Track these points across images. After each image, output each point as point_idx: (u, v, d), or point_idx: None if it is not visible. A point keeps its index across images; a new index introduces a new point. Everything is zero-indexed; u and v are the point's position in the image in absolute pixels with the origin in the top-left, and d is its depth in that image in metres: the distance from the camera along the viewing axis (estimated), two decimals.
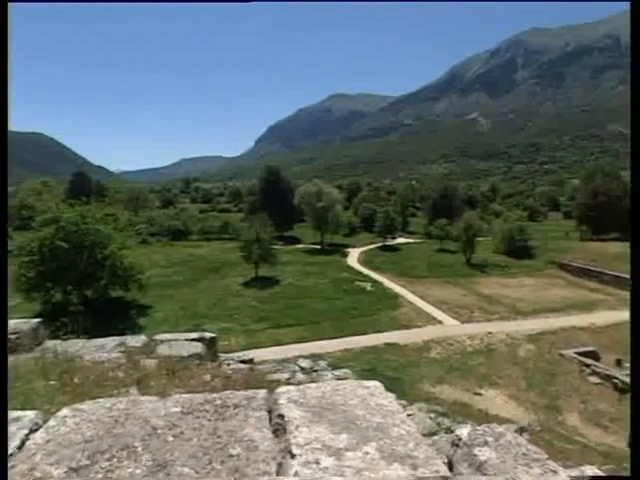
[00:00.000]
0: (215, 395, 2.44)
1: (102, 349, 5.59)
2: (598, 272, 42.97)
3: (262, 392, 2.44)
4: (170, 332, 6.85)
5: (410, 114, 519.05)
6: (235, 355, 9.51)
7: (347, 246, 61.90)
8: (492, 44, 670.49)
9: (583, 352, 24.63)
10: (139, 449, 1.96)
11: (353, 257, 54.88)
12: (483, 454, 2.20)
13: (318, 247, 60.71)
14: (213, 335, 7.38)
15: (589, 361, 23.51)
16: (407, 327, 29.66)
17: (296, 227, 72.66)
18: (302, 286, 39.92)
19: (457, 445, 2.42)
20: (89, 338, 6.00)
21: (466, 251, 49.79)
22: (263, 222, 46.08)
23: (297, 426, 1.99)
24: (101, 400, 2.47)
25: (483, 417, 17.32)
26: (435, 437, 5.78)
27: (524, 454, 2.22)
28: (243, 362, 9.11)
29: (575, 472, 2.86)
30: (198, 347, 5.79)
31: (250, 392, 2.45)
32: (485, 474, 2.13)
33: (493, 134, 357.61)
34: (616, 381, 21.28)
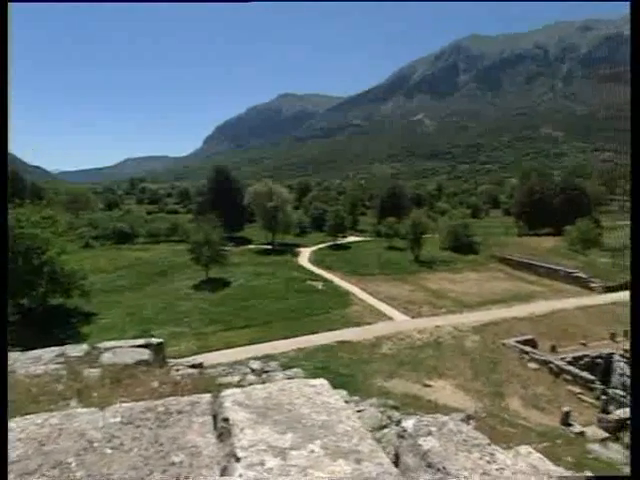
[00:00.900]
0: (157, 402, 2.35)
1: (39, 361, 5.26)
2: (534, 265, 45.80)
3: (207, 396, 2.38)
4: (116, 339, 6.58)
5: (358, 115, 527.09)
6: (184, 360, 9.26)
7: (298, 246, 61.94)
8: (436, 48, 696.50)
9: (523, 340, 26.13)
10: (73, 465, 1.85)
11: (304, 256, 54.99)
12: (427, 443, 2.27)
13: (269, 247, 60.33)
14: (160, 340, 7.15)
15: (528, 349, 24.99)
16: (359, 324, 30.09)
17: (246, 228, 71.80)
18: (253, 287, 39.52)
19: (403, 437, 2.48)
20: (24, 350, 5.63)
21: (414, 248, 51.26)
22: (212, 223, 45.24)
23: (242, 428, 1.96)
24: (31, 416, 2.31)
25: (433, 407, 17.97)
26: (385, 430, 5.93)
27: (465, 440, 2.31)
28: (193, 367, 8.89)
29: (512, 453, 3.01)
30: (145, 354, 5.59)
31: (194, 397, 2.38)
32: (429, 462, 2.20)
33: (438, 135, 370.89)
34: (551, 366, 22.78)
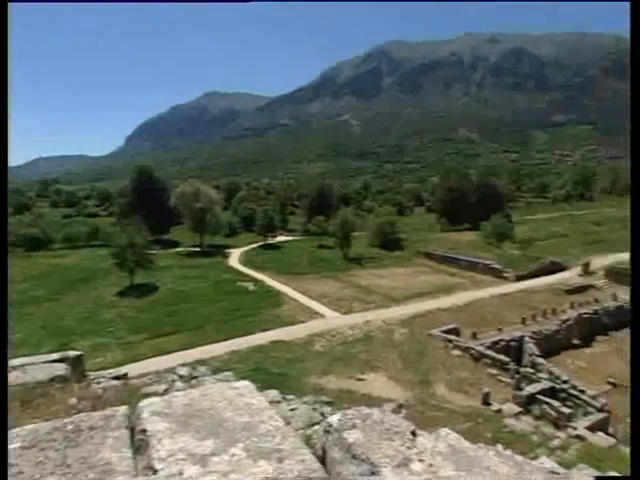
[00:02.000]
0: (66, 420, 2.17)
1: None
2: (455, 259, 48.83)
3: (122, 409, 2.24)
4: (28, 355, 5.99)
5: (286, 114, 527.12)
6: (107, 372, 8.69)
7: (228, 247, 60.75)
8: (360, 52, 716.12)
9: (447, 330, 27.73)
10: None
11: (234, 258, 54.04)
12: (351, 436, 2.32)
13: (198, 249, 58.55)
14: (79, 353, 6.64)
15: (452, 337, 26.57)
16: (291, 323, 30.16)
17: (173, 230, 69.17)
18: (183, 291, 38.15)
19: (328, 431, 2.52)
20: None
21: (343, 246, 52.42)
22: (137, 226, 43.14)
23: (160, 439, 1.87)
24: None
25: (367, 400, 18.48)
26: (316, 427, 5.98)
27: (387, 429, 2.40)
28: (116, 378, 8.39)
29: (433, 436, 3.15)
30: (61, 368, 5.15)
31: (109, 411, 2.23)
32: (353, 454, 2.25)
33: (364, 135, 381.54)
34: (472, 352, 24.42)
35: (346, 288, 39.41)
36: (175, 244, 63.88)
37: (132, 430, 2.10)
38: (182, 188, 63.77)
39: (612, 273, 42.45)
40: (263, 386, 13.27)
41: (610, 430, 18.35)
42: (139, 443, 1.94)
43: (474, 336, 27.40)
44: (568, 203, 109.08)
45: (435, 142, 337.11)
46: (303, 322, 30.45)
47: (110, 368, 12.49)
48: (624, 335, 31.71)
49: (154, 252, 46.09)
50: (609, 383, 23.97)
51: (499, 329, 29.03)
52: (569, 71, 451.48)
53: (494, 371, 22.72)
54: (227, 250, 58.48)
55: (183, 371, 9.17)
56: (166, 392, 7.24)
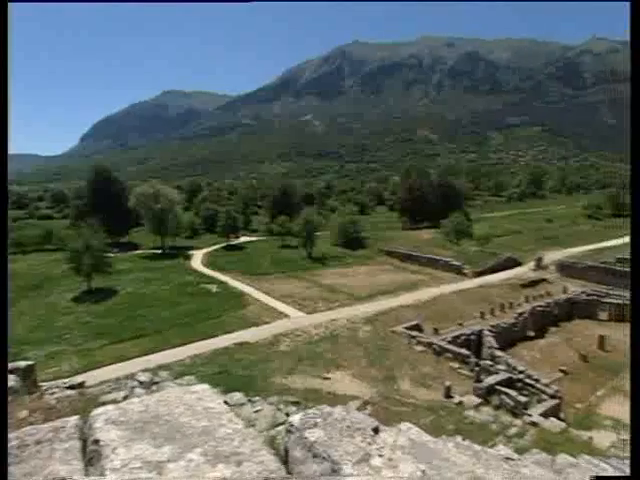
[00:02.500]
0: (11, 435, 2.05)
1: None
2: (417, 256, 49.91)
3: (73, 419, 2.14)
4: None
5: (248, 114, 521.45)
6: (62, 381, 8.32)
7: (190, 248, 59.49)
8: (322, 52, 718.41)
9: (410, 326, 28.30)
10: None
11: (197, 259, 52.99)
12: (313, 435, 2.33)
13: (159, 252, 56.97)
14: (30, 363, 6.33)
15: (414, 333, 27.14)
16: (256, 324, 29.92)
17: (133, 232, 67.05)
18: (144, 294, 37.04)
19: (290, 431, 2.52)
20: None
21: (306, 246, 52.48)
22: (94, 228, 41.54)
23: (114, 448, 1.80)
24: None
25: (332, 398, 18.59)
26: (280, 427, 5.97)
27: (348, 427, 2.42)
28: (71, 388, 8.06)
29: (394, 431, 3.21)
30: (10, 380, 4.88)
31: (58, 422, 2.12)
32: (315, 452, 2.26)
33: (326, 135, 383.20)
34: (435, 346, 25.04)
35: (310, 288, 39.46)
36: (135, 246, 61.94)
37: (85, 441, 2.01)
38: (141, 189, 61.89)
39: (562, 267, 44.70)
40: (227, 389, 13.12)
41: (561, 415, 19.30)
42: (92, 454, 1.87)
43: (436, 331, 28.11)
44: (522, 201, 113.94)
45: (396, 142, 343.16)
46: (268, 323, 30.27)
47: (66, 377, 11.96)
48: (573, 326, 33.52)
49: (112, 255, 44.50)
50: (560, 371, 25.22)
51: (459, 324, 29.92)
52: (521, 75, 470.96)
53: (455, 365, 23.39)
54: (189, 252, 57.27)
55: (143, 377, 8.91)
56: (126, 399, 7.01)
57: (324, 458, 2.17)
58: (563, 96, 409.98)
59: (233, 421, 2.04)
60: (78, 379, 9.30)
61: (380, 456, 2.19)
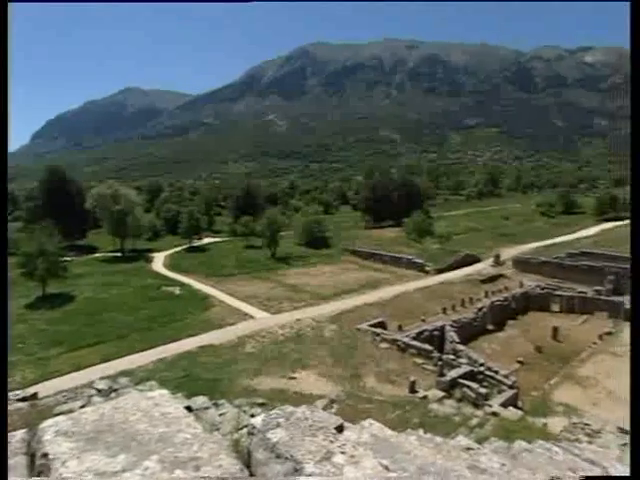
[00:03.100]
0: None
1: None
2: (380, 255, 50.66)
3: (20, 433, 2.03)
4: None
5: (210, 113, 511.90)
6: (13, 394, 7.89)
7: (151, 251, 57.93)
8: (284, 51, 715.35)
9: (374, 324, 28.69)
10: None
11: (159, 262, 51.66)
12: (275, 435, 2.32)
13: (119, 255, 55.14)
14: None
15: (379, 330, 27.54)
16: (220, 326, 29.53)
17: (91, 234, 64.65)
18: (103, 299, 35.74)
19: (253, 433, 2.49)
20: None
21: (271, 246, 52.28)
22: (48, 231, 39.66)
23: (64, 461, 1.72)
24: None
25: (299, 398, 18.58)
26: (244, 430, 5.92)
27: (311, 426, 2.43)
28: (23, 400, 7.68)
29: (357, 427, 3.23)
30: None
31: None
32: (277, 453, 2.25)
33: (290, 135, 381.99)
34: (399, 343, 25.50)
35: (275, 288, 39.30)
36: (93, 249, 59.72)
37: (32, 456, 1.91)
38: (99, 189, 59.66)
39: (519, 262, 46.61)
40: (192, 393, 12.85)
41: (519, 404, 20.14)
42: (40, 469, 1.78)
43: (400, 328, 28.63)
44: (480, 199, 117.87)
45: (358, 142, 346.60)
46: (233, 324, 29.92)
47: (18, 389, 11.34)
48: (529, 318, 35.00)
49: (69, 259, 42.70)
50: (518, 362, 26.29)
51: (423, 320, 30.61)
52: (478, 79, 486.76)
53: (419, 360, 23.91)
54: (151, 254, 55.79)
55: (102, 385, 8.56)
56: (83, 408, 6.72)
57: (287, 458, 2.17)
58: (517, 99, 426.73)
59: (192, 426, 2.00)
60: (31, 390, 8.85)
61: (342, 453, 2.21)
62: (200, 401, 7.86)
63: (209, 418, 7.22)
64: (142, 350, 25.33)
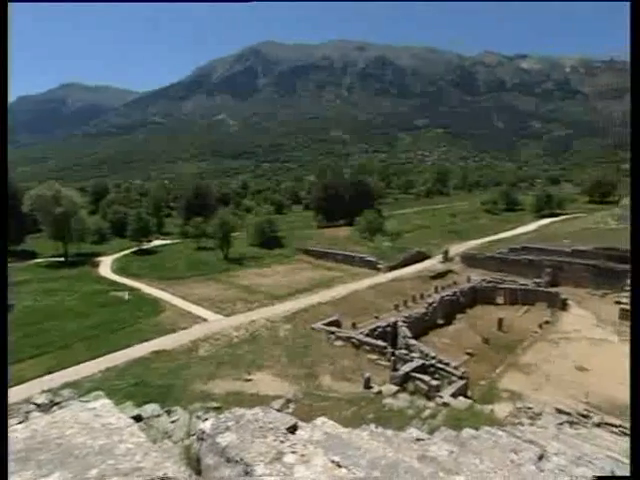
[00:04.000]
0: None
1: None
2: (333, 254, 51.16)
3: None
4: None
5: (159, 112, 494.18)
6: None
7: (98, 255, 55.29)
8: (234, 50, 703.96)
9: (328, 322, 28.92)
10: None
11: (106, 266, 49.40)
12: (225, 439, 2.28)
13: (62, 259, 52.13)
14: None
15: (333, 329, 27.79)
16: (173, 331, 28.71)
17: (30, 239, 60.69)
18: (45, 307, 33.70)
19: (202, 438, 2.44)
20: None
21: (223, 247, 51.49)
22: None
23: None
24: None
25: (255, 400, 18.40)
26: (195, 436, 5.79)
27: (261, 427, 2.41)
28: None
29: (310, 426, 3.24)
30: None
31: None
32: (227, 457, 2.21)
33: (241, 135, 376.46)
34: (353, 340, 25.85)
35: (228, 289, 38.73)
36: (32, 255, 56.09)
37: None
38: (38, 191, 56.00)
39: (466, 258, 48.60)
40: (143, 401, 12.38)
41: (469, 393, 21.03)
42: None
43: (354, 325, 29.04)
44: (429, 198, 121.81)
45: (310, 142, 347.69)
46: (185, 328, 29.18)
47: None
48: (476, 311, 36.62)
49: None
50: (467, 353, 27.44)
51: (376, 317, 31.21)
52: (424, 81, 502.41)
53: (373, 356, 24.37)
54: (97, 258, 53.28)
55: (42, 399, 8.03)
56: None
57: (237, 462, 2.15)
58: (462, 101, 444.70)
59: (135, 435, 1.93)
60: None
61: (293, 453, 2.21)
62: (151, 409, 7.60)
63: (160, 426, 6.99)
64: (89, 359, 24.17)
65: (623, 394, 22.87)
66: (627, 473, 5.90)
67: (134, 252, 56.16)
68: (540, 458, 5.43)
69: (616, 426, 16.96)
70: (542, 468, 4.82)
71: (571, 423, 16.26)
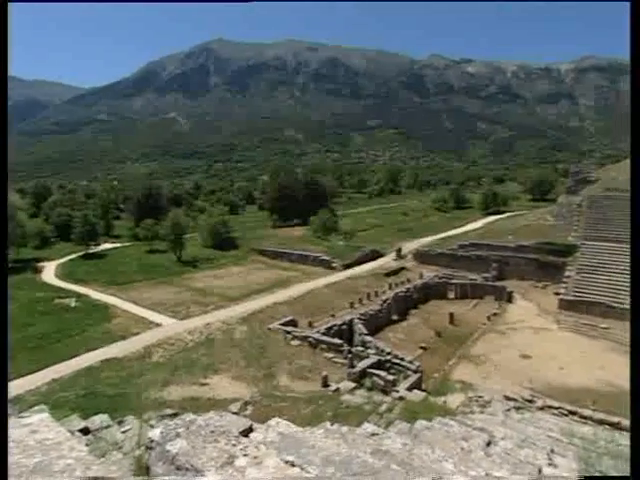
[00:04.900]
0: None
1: None
2: (288, 253, 51.11)
3: None
4: None
5: (104, 109, 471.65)
6: None
7: (40, 260, 52.13)
8: (185, 47, 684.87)
9: (285, 322, 28.85)
10: None
11: (49, 272, 46.69)
12: (175, 447, 2.23)
13: None
14: None
15: (290, 328, 27.76)
16: (124, 337, 27.63)
17: None
18: None
19: (151, 447, 2.37)
20: None
21: (176, 249, 50.19)
22: None
23: None
24: None
25: (213, 404, 18.08)
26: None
27: (212, 432, 2.37)
28: None
29: (264, 427, 3.22)
30: None
31: None
32: (177, 465, 2.16)
33: (193, 134, 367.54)
34: (310, 339, 25.93)
35: (182, 292, 37.79)
36: None
37: None
38: None
39: (418, 255, 50.02)
40: (92, 412, 11.80)
41: (423, 386, 21.68)
42: None
43: (310, 325, 29.14)
44: (382, 197, 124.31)
45: (263, 142, 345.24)
46: (138, 334, 28.16)
47: None
48: (429, 307, 37.78)
49: None
50: (421, 348, 28.27)
51: (332, 315, 31.47)
52: (376, 82, 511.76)
53: (330, 354, 24.56)
54: (40, 264, 50.20)
55: None
56: None
57: (187, 469, 2.10)
58: (412, 103, 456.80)
59: (76, 449, 1.84)
60: None
61: (245, 456, 2.19)
62: (99, 420, 7.25)
63: (110, 437, 6.68)
64: (34, 371, 22.77)
65: (563, 378, 24.48)
66: (565, 452, 6.33)
67: (81, 256, 53.45)
68: (488, 444, 5.70)
69: (556, 408, 18.06)
70: (490, 453, 5.07)
71: (517, 408, 17.15)
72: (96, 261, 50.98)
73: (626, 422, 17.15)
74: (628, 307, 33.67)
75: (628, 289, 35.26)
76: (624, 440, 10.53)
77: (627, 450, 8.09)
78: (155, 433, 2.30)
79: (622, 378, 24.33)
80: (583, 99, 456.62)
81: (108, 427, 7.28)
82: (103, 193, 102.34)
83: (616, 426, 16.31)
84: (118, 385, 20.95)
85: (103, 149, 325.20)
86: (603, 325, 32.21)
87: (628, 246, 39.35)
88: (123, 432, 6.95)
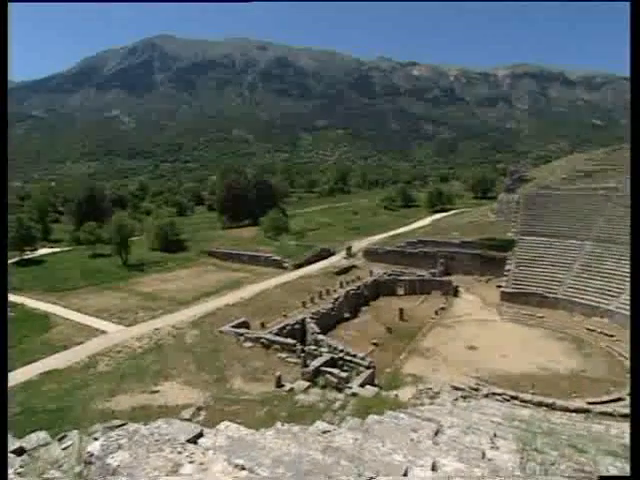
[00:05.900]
0: None
1: None
2: (238, 254, 50.42)
3: None
4: None
5: (39, 105, 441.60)
6: None
7: None
8: (127, 41, 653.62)
9: (237, 324, 28.41)
10: None
11: None
12: (116, 459, 2.14)
13: None
14: None
15: (242, 330, 27.38)
16: (66, 347, 26.06)
17: None
18: None
19: (90, 462, 2.26)
20: None
21: (121, 253, 48.16)
22: None
23: None
24: None
25: (164, 411, 17.50)
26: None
27: (157, 440, 2.30)
28: None
29: (213, 432, 3.17)
30: None
31: None
32: (119, 479, 2.07)
33: (138, 133, 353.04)
34: (263, 340, 25.71)
35: (129, 298, 36.25)
36: None
37: None
38: None
39: (368, 253, 50.98)
40: (30, 430, 11.07)
41: (376, 382, 22.13)
42: None
43: (263, 326, 28.90)
44: (332, 196, 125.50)
45: (212, 141, 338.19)
46: (81, 343, 26.66)
47: None
48: (379, 303, 38.62)
49: None
50: (373, 344, 28.84)
51: (284, 315, 31.38)
52: (325, 83, 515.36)
53: (283, 355, 24.48)
54: None
55: None
56: None
57: None
58: (360, 103, 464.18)
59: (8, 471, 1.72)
60: None
61: (191, 463, 2.14)
62: (36, 438, 6.78)
63: (49, 456, 6.28)
64: None
65: (505, 365, 25.92)
66: (506, 435, 6.71)
67: (15, 262, 49.77)
68: (436, 433, 5.93)
69: (500, 394, 19.09)
70: (437, 442, 5.27)
71: (464, 397, 17.95)
72: (33, 267, 47.76)
73: (560, 402, 18.47)
74: (561, 297, 36.21)
75: (560, 280, 37.92)
76: (555, 418, 11.38)
77: (559, 428, 8.70)
78: (95, 446, 2.19)
79: (556, 362, 26.46)
80: (518, 103, 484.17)
81: (47, 445, 6.83)
82: (40, 195, 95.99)
83: (551, 407, 17.51)
84: (61, 398, 19.77)
85: (39, 148, 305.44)
86: (539, 314, 34.39)
87: (559, 240, 42.29)
88: (64, 449, 6.55)
